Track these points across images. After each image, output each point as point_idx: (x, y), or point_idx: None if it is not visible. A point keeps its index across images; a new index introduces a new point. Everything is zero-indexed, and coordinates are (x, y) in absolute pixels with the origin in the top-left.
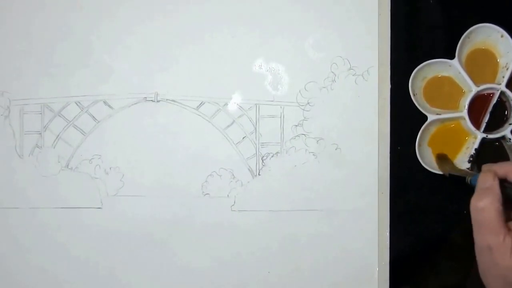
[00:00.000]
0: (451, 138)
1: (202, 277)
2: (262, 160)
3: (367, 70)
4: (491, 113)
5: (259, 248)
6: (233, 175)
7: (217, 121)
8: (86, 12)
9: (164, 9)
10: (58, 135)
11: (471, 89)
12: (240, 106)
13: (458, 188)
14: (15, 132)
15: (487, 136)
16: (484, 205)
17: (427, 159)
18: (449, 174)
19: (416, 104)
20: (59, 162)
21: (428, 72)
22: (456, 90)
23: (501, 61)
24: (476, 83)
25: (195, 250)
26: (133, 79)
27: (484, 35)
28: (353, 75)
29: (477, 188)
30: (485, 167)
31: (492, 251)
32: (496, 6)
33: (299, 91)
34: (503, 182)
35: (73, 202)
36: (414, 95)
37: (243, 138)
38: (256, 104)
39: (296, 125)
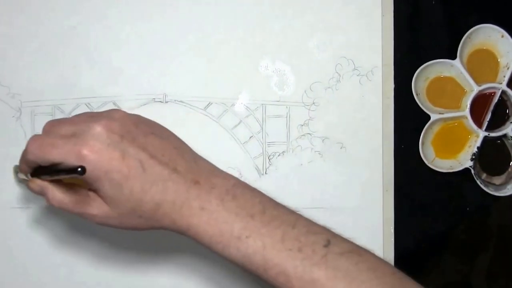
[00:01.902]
0: (454, 136)
1: (205, 277)
2: (269, 159)
3: (371, 71)
4: (493, 112)
5: None
6: (240, 174)
7: (225, 121)
8: (95, 13)
9: (173, 10)
10: None
11: (473, 89)
12: (247, 107)
13: (461, 186)
14: (26, 134)
15: (489, 134)
16: (56, 204)
17: (430, 157)
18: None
19: (419, 104)
20: None
21: (430, 72)
22: (458, 90)
23: (502, 61)
24: (478, 82)
25: (200, 250)
26: (141, 80)
27: (485, 36)
28: (357, 75)
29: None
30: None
31: (98, 216)
32: (496, 6)
33: (305, 91)
34: (40, 172)
35: None
36: (417, 95)
37: (250, 137)
38: (262, 104)
39: (302, 125)
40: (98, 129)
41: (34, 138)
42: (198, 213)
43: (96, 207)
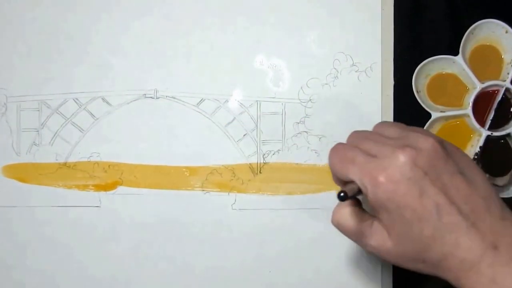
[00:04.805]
0: (456, 135)
1: (201, 276)
2: (263, 158)
3: (370, 67)
4: (496, 111)
5: (260, 247)
6: (233, 173)
7: (218, 118)
8: (84, 8)
9: (164, 4)
10: (55, 133)
11: (475, 86)
12: (241, 103)
13: None
14: (12, 130)
15: (492, 133)
16: (334, 223)
17: None
18: None
19: (420, 102)
20: (56, 159)
21: (431, 69)
22: (460, 87)
23: (506, 57)
24: (481, 79)
25: (194, 248)
26: (132, 76)
27: (488, 31)
28: (355, 72)
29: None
30: None
31: (376, 249)
32: (500, 1)
33: (301, 88)
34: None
35: (71, 201)
36: (417, 92)
37: (244, 135)
38: (257, 101)
39: (298, 122)
40: (402, 159)
41: (337, 147)
42: (487, 284)
43: (377, 240)
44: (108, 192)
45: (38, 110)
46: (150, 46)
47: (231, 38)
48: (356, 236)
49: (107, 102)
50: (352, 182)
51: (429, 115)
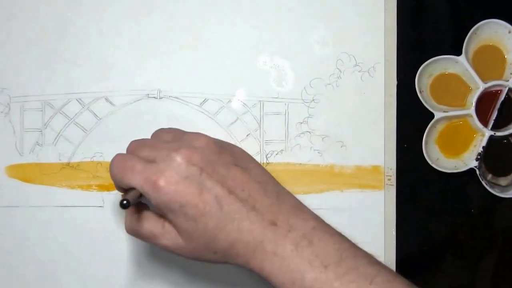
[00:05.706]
0: (459, 135)
1: (203, 275)
2: (267, 158)
3: (373, 67)
4: (499, 111)
5: None
6: None
7: (221, 118)
8: (87, 7)
9: (167, 4)
10: (59, 133)
11: (478, 86)
12: (244, 103)
13: (466, 186)
14: (15, 130)
15: (495, 133)
16: (129, 231)
17: (434, 157)
18: None
19: (423, 102)
20: (60, 160)
21: (434, 69)
22: (463, 87)
23: (509, 57)
24: (484, 80)
25: None
26: (135, 76)
27: (491, 31)
28: (359, 72)
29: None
30: None
31: (169, 247)
32: (503, 1)
33: (304, 88)
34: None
35: (74, 201)
36: (420, 92)
37: (247, 135)
38: (260, 101)
39: (301, 122)
40: (177, 160)
41: (116, 158)
42: (271, 258)
43: (170, 239)
44: (111, 192)
45: (42, 110)
46: (153, 46)
47: (234, 38)
48: (150, 239)
49: (110, 102)
50: (134, 188)
51: (432, 115)
